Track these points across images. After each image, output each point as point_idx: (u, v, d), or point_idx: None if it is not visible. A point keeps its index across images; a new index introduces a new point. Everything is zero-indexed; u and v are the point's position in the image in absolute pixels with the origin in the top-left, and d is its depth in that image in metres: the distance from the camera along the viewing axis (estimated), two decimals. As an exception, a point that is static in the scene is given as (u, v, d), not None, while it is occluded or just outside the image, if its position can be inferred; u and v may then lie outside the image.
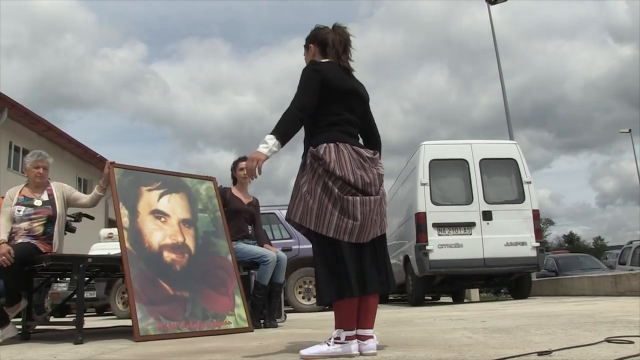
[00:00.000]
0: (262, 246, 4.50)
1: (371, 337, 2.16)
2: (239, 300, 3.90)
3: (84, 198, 4.03)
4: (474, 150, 7.60)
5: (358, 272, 2.14)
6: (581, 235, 55.28)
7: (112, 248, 6.59)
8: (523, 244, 7.18)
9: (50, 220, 3.77)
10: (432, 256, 7.05)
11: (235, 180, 4.71)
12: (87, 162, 18.83)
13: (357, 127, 2.38)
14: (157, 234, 3.79)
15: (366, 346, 2.13)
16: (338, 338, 2.14)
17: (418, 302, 7.69)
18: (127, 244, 3.58)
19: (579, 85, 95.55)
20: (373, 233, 2.20)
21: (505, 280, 8.03)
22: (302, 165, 2.29)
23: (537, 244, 7.23)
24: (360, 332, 2.17)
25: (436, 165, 7.48)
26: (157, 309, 3.44)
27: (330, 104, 2.27)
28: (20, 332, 3.68)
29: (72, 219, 4.32)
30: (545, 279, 10.14)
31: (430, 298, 11.51)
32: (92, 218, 4.64)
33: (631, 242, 13.28)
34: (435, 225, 7.19)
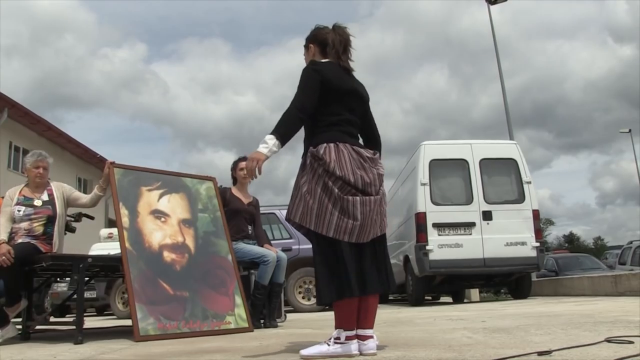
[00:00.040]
0: (262, 246, 4.50)
1: (371, 337, 2.16)
2: (239, 300, 3.90)
3: (84, 198, 4.03)
4: (474, 150, 7.60)
5: (358, 272, 2.14)
6: (581, 235, 55.36)
7: (112, 248, 6.59)
8: (523, 244, 7.18)
9: (50, 220, 3.77)
10: (432, 256, 7.05)
11: (235, 180, 4.71)
12: (87, 162, 18.84)
13: (357, 127, 2.38)
14: (157, 234, 3.80)
15: (366, 346, 2.13)
16: (338, 338, 2.14)
17: (418, 302, 7.69)
18: (127, 244, 3.58)
19: (579, 85, 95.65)
20: (373, 233, 2.20)
21: (505, 280, 8.03)
22: (302, 165, 2.29)
23: (537, 244, 7.23)
24: (360, 332, 2.17)
25: (436, 165, 7.48)
26: (157, 309, 3.44)
27: (330, 104, 2.27)
28: (20, 332, 3.68)
29: (72, 219, 4.32)
30: (545, 279, 10.14)
31: (430, 298, 11.51)
32: (92, 218, 4.64)
33: (631, 242, 13.28)
34: (435, 225, 7.19)
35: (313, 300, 7.26)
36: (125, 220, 3.69)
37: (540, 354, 1.84)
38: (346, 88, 2.31)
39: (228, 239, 4.18)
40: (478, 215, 7.27)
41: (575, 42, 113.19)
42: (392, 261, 8.44)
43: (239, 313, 3.84)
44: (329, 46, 2.37)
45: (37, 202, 3.79)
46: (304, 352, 2.16)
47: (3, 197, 3.91)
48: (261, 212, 4.95)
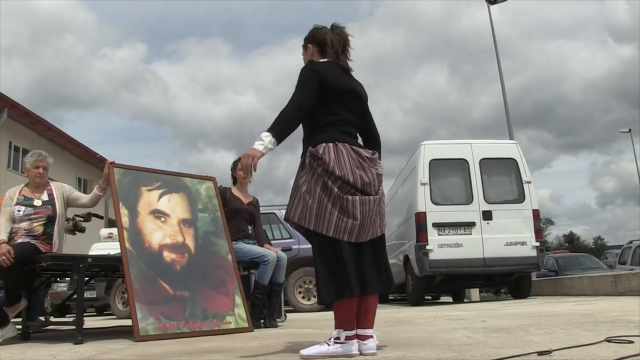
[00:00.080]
0: (262, 246, 4.50)
1: (371, 337, 2.16)
2: (239, 300, 3.90)
3: (84, 198, 4.03)
4: (474, 150, 7.60)
5: (358, 272, 2.14)
6: (581, 235, 55.34)
7: (112, 248, 6.59)
8: (523, 243, 7.18)
9: (50, 220, 3.77)
10: (432, 256, 7.05)
11: (235, 180, 4.70)
12: (87, 162, 18.84)
13: (356, 126, 2.38)
14: (157, 234, 3.79)
15: (366, 346, 2.13)
16: (338, 338, 2.14)
17: (418, 301, 7.69)
18: (127, 244, 3.58)
19: (579, 85, 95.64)
20: (372, 233, 2.20)
21: (505, 280, 8.04)
22: (301, 165, 2.29)
23: (537, 244, 7.23)
24: (360, 332, 2.17)
25: (436, 165, 7.48)
26: (157, 308, 3.44)
27: (328, 103, 2.27)
28: (20, 332, 3.68)
29: (82, 219, 4.31)
30: (545, 279, 10.14)
31: (430, 298, 11.51)
32: (101, 217, 4.64)
33: (631, 242, 13.28)
34: (435, 225, 7.19)
35: (313, 300, 7.26)
36: (125, 220, 3.69)
37: (540, 353, 1.84)
38: (345, 88, 2.31)
39: (228, 238, 4.18)
40: (478, 215, 7.27)
41: (575, 42, 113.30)
42: (392, 261, 8.52)
43: (239, 313, 3.84)
44: (327, 46, 2.37)
45: (37, 202, 3.79)
46: (304, 352, 2.16)
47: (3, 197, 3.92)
48: (261, 212, 4.95)
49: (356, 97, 2.37)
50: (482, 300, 10.86)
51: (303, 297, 7.38)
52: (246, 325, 3.81)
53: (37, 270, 3.70)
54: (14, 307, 3.59)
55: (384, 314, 5.49)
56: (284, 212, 2.53)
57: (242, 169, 2.17)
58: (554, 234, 55.97)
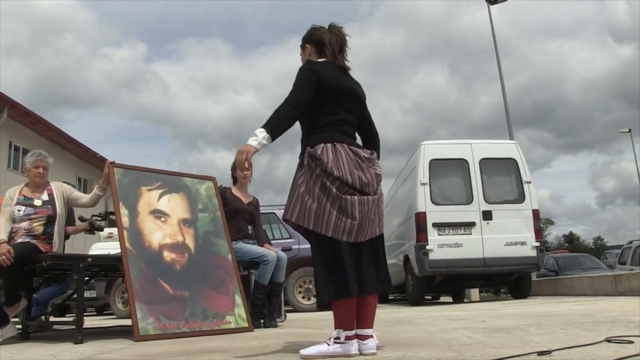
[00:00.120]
0: (262, 246, 4.50)
1: (371, 336, 2.16)
2: (239, 300, 3.90)
3: (84, 198, 4.03)
4: (474, 150, 7.60)
5: (356, 272, 2.14)
6: (581, 235, 55.30)
7: (112, 248, 6.58)
8: (523, 243, 7.19)
9: (50, 220, 3.77)
10: (432, 256, 7.05)
11: (235, 180, 4.70)
12: (87, 162, 18.83)
13: (355, 126, 2.38)
14: (157, 234, 3.79)
15: (366, 346, 2.13)
16: (338, 338, 2.14)
17: (418, 301, 7.69)
18: (127, 244, 3.58)
19: (579, 85, 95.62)
20: (371, 233, 2.20)
21: (505, 280, 8.04)
22: (299, 165, 2.29)
23: (537, 244, 7.23)
24: (360, 331, 2.17)
25: (436, 165, 7.48)
26: (157, 308, 3.44)
27: (326, 103, 2.27)
28: (20, 331, 3.68)
29: (100, 218, 4.32)
30: (545, 279, 10.14)
31: (430, 298, 11.51)
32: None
33: (631, 242, 13.28)
34: (435, 225, 7.19)
35: (313, 300, 7.26)
36: (125, 220, 3.69)
37: (540, 353, 1.84)
38: (342, 87, 2.31)
39: (228, 238, 4.18)
40: (478, 215, 7.27)
41: (575, 42, 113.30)
42: (392, 261, 8.52)
43: (239, 313, 3.84)
44: (325, 46, 2.37)
45: (37, 202, 3.79)
46: (304, 351, 2.16)
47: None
48: (261, 212, 4.95)
49: (354, 96, 2.37)
50: (482, 300, 10.86)
51: (303, 297, 7.38)
52: (246, 325, 3.81)
53: (37, 270, 3.70)
54: (14, 307, 3.59)
55: (384, 314, 5.49)
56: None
57: (237, 166, 2.17)
58: (554, 234, 56.00)
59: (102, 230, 4.32)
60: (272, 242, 4.99)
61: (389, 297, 11.27)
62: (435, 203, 7.29)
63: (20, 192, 3.83)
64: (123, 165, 3.99)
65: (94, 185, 4.35)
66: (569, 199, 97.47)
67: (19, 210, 3.71)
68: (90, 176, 19.16)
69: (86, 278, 3.79)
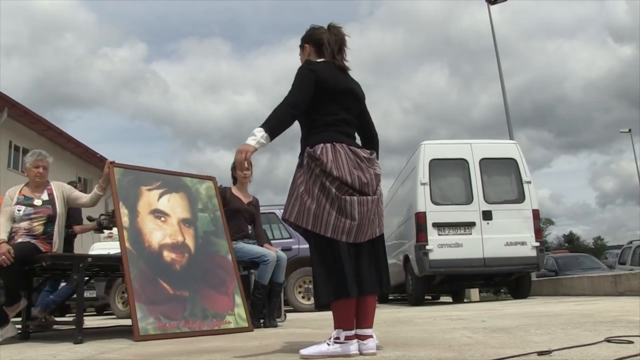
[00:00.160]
0: (262, 246, 4.50)
1: (371, 336, 2.16)
2: (238, 299, 3.90)
3: (84, 198, 4.03)
4: (474, 150, 7.60)
5: (356, 272, 2.14)
6: (581, 235, 55.28)
7: (112, 247, 6.59)
8: (523, 243, 7.18)
9: (50, 220, 3.77)
10: (432, 256, 7.05)
11: (235, 180, 4.70)
12: (87, 161, 18.83)
13: (354, 126, 2.38)
14: (157, 234, 3.79)
15: (366, 346, 2.13)
16: (338, 338, 2.14)
17: (418, 301, 7.69)
18: (127, 244, 3.58)
19: (579, 85, 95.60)
20: (371, 233, 2.20)
21: (505, 280, 8.04)
22: (298, 165, 2.29)
23: (537, 244, 7.23)
24: (360, 331, 2.17)
25: (436, 164, 7.48)
26: (157, 308, 3.44)
27: (325, 103, 2.27)
28: (19, 331, 3.68)
29: (108, 217, 4.32)
30: (545, 279, 10.14)
31: (430, 298, 11.51)
32: None
33: (631, 242, 13.29)
34: (435, 224, 7.19)
35: (313, 300, 7.26)
36: (125, 219, 3.69)
37: (540, 353, 1.84)
38: (341, 87, 2.31)
39: (228, 238, 4.18)
40: (478, 215, 7.27)
41: (575, 42, 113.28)
42: (392, 261, 8.51)
43: (239, 313, 3.84)
44: (324, 46, 2.37)
45: (37, 202, 3.79)
46: (304, 351, 2.16)
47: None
48: (261, 211, 4.95)
49: (353, 96, 2.37)
50: (482, 300, 10.87)
51: (303, 297, 7.38)
52: (246, 325, 3.81)
53: (37, 270, 3.70)
54: (14, 306, 3.59)
55: (384, 314, 5.49)
56: (283, 212, 2.52)
57: (236, 165, 2.18)
58: (554, 234, 55.97)
59: (110, 229, 4.34)
60: (272, 242, 4.99)
61: (389, 297, 11.27)
62: (435, 203, 7.29)
63: (20, 191, 3.83)
64: (123, 165, 3.99)
65: (94, 185, 4.35)
66: (569, 199, 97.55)
67: (19, 210, 3.71)
68: (90, 176, 19.16)
69: (86, 278, 3.79)
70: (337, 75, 2.33)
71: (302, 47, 2.50)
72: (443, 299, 11.79)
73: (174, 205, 4.03)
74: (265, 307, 4.35)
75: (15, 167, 14.87)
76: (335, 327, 2.17)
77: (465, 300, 10.00)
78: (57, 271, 3.95)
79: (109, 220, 4.20)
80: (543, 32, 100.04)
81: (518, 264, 7.20)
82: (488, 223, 7.23)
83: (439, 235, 7.18)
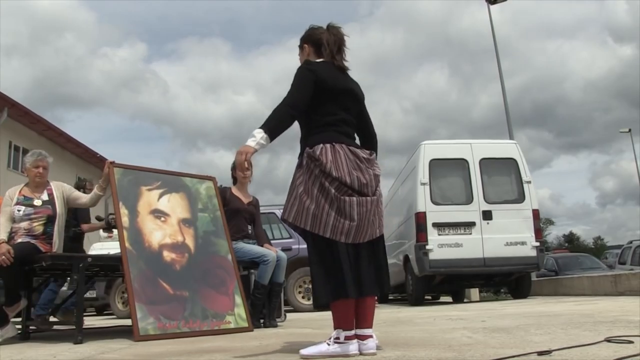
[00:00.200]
0: (262, 246, 4.50)
1: (370, 336, 2.16)
2: (238, 299, 3.90)
3: (84, 198, 4.03)
4: (474, 150, 7.60)
5: (354, 273, 2.14)
6: (581, 235, 55.29)
7: (112, 247, 6.60)
8: (523, 243, 7.19)
9: (50, 220, 3.77)
10: (432, 256, 7.05)
11: (235, 180, 4.70)
12: (87, 161, 18.84)
13: (353, 126, 2.38)
14: (157, 234, 3.79)
15: (366, 346, 2.13)
16: (338, 338, 2.14)
17: (418, 301, 7.69)
18: (127, 244, 3.58)
19: (579, 85, 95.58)
20: (370, 234, 2.20)
21: (505, 280, 8.04)
22: (298, 165, 2.29)
23: (537, 244, 7.23)
24: (359, 332, 2.16)
25: (436, 164, 7.48)
26: (157, 308, 3.44)
27: (325, 103, 2.27)
28: (19, 331, 3.68)
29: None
30: (545, 279, 10.14)
31: (430, 298, 11.51)
32: None
33: (631, 242, 13.29)
34: (435, 224, 7.19)
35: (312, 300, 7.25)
36: (125, 219, 3.69)
37: (540, 353, 1.84)
38: (341, 87, 2.32)
39: (228, 238, 4.18)
40: (478, 215, 7.27)
41: (575, 42, 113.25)
42: (392, 261, 8.51)
43: (239, 313, 3.84)
44: (323, 46, 2.37)
45: (37, 202, 3.79)
46: (304, 351, 2.16)
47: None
48: (261, 211, 4.95)
49: (352, 96, 2.37)
50: (482, 300, 10.87)
51: (303, 297, 7.38)
52: (246, 325, 3.81)
53: (36, 270, 3.70)
54: (14, 306, 3.59)
55: (384, 313, 5.49)
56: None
57: (237, 166, 2.18)
58: (554, 234, 55.92)
59: None
60: (272, 242, 4.99)
61: (389, 297, 11.27)
62: (435, 203, 7.29)
63: (20, 192, 3.83)
64: (123, 165, 3.99)
65: (94, 185, 4.35)
66: (569, 199, 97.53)
67: (18, 210, 3.71)
68: (90, 176, 19.03)
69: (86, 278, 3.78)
70: (336, 75, 2.33)
71: (301, 47, 2.50)
72: (443, 299, 11.79)
73: (174, 205, 4.03)
74: (265, 307, 4.35)
75: (15, 167, 14.88)
76: (335, 328, 2.17)
77: (465, 300, 9.99)
78: (57, 271, 3.95)
79: None
80: (543, 32, 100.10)
81: (518, 264, 7.20)
82: (488, 223, 7.24)
83: (439, 235, 7.18)
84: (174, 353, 2.54)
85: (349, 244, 2.15)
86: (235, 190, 4.61)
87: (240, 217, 4.50)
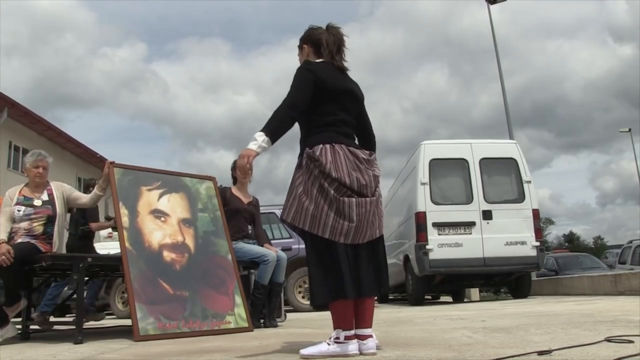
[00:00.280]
0: (262, 246, 4.50)
1: (370, 336, 2.16)
2: (238, 299, 3.90)
3: (84, 198, 4.03)
4: (474, 150, 7.60)
5: (353, 273, 2.14)
6: (581, 235, 55.32)
7: (112, 248, 6.59)
8: (523, 243, 7.19)
9: (50, 220, 3.77)
10: (432, 255, 7.05)
11: (235, 180, 4.70)
12: (87, 161, 18.84)
13: (353, 127, 2.37)
14: (157, 234, 3.79)
15: (366, 346, 2.13)
16: (338, 338, 2.14)
17: (418, 301, 7.69)
18: (127, 244, 3.58)
19: (579, 85, 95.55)
20: (370, 234, 2.20)
21: (505, 280, 8.04)
22: (298, 165, 2.29)
23: (537, 244, 7.23)
24: (359, 331, 2.16)
25: (436, 164, 7.48)
26: (157, 308, 3.44)
27: (324, 103, 2.27)
28: (19, 331, 3.68)
29: None
30: (545, 279, 10.14)
31: (430, 297, 11.51)
32: None
33: (631, 242, 13.29)
34: (435, 224, 7.19)
35: (313, 300, 7.25)
36: (125, 220, 3.69)
37: (540, 353, 1.84)
38: (340, 88, 2.32)
39: (228, 238, 4.18)
40: (478, 215, 7.27)
41: (575, 42, 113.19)
42: (392, 261, 8.51)
43: (239, 313, 3.84)
44: (322, 46, 2.37)
45: (37, 202, 3.79)
46: (304, 351, 2.16)
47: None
48: (261, 211, 4.95)
49: (352, 97, 2.37)
50: (482, 300, 10.87)
51: (303, 297, 7.38)
52: (246, 325, 3.81)
53: (36, 270, 3.70)
54: (14, 307, 3.59)
55: (384, 313, 5.49)
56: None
57: (238, 170, 2.19)
58: (554, 234, 55.88)
59: None
60: (272, 242, 4.99)
61: (389, 297, 11.27)
62: (435, 203, 7.29)
63: (20, 192, 3.83)
64: (123, 165, 3.99)
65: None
66: (569, 199, 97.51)
67: (18, 211, 3.71)
68: (90, 176, 19.11)
69: (86, 278, 3.78)
70: (336, 75, 2.33)
71: (300, 47, 2.50)
72: (443, 298, 11.79)
73: (174, 205, 4.03)
74: (265, 307, 4.35)
75: (15, 168, 14.87)
76: (335, 328, 2.17)
77: (465, 300, 10.00)
78: (57, 271, 3.95)
79: None
80: (543, 32, 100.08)
81: (518, 263, 7.20)
82: (488, 223, 7.24)
83: (439, 235, 7.18)
84: (174, 353, 2.54)
85: (348, 244, 2.15)
86: (235, 190, 4.61)
87: (240, 217, 4.50)
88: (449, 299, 11.07)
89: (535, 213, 7.38)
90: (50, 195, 3.87)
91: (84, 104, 67.10)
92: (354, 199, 2.16)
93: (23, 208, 3.72)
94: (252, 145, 2.16)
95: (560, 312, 4.12)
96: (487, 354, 1.96)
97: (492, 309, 5.42)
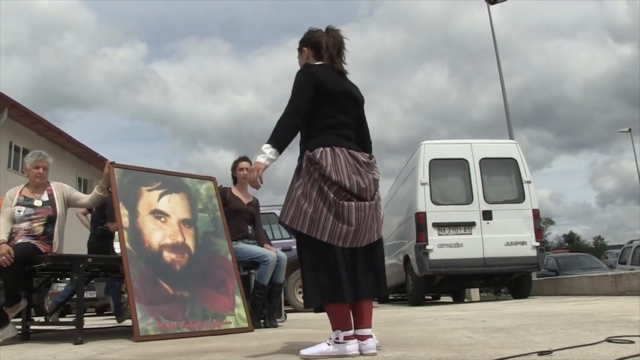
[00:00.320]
0: (262, 246, 4.50)
1: (370, 336, 2.16)
2: (239, 300, 3.90)
3: (84, 198, 4.03)
4: (474, 150, 7.60)
5: (350, 276, 2.13)
6: (581, 235, 55.33)
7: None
8: (523, 243, 7.19)
9: (50, 221, 3.77)
10: (432, 256, 7.05)
11: (235, 180, 4.71)
12: (87, 161, 18.84)
13: (353, 130, 2.37)
14: (157, 234, 3.79)
15: (366, 346, 2.13)
16: (337, 338, 2.14)
17: (418, 301, 7.69)
18: (127, 244, 3.58)
19: (579, 85, 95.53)
20: (368, 238, 2.19)
21: (505, 280, 8.04)
22: (297, 168, 2.28)
23: (537, 244, 7.23)
24: (359, 332, 2.16)
25: (436, 164, 7.48)
26: (157, 308, 3.44)
27: (324, 105, 2.27)
28: (20, 332, 3.68)
29: None
30: (545, 279, 10.14)
31: (430, 298, 11.51)
32: None
33: (631, 242, 13.29)
34: (435, 224, 7.19)
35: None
36: (125, 220, 3.69)
37: (541, 353, 1.84)
38: (340, 90, 2.32)
39: (228, 238, 4.18)
40: (478, 215, 7.27)
41: (575, 42, 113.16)
42: (392, 261, 8.50)
43: (239, 313, 3.84)
44: (322, 49, 2.37)
45: (37, 203, 3.79)
46: (304, 352, 2.16)
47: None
48: (261, 212, 4.95)
49: (352, 99, 2.37)
50: (482, 300, 10.87)
51: (303, 297, 7.37)
52: (246, 325, 3.80)
53: (37, 270, 3.70)
54: (14, 307, 3.59)
55: (384, 313, 5.49)
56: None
57: (250, 184, 2.23)
58: (554, 234, 55.89)
59: None
60: (272, 242, 5.00)
61: (389, 297, 11.28)
62: (435, 203, 7.29)
63: (20, 192, 3.82)
64: (123, 165, 3.99)
65: (94, 186, 4.36)
66: (569, 199, 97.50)
67: (19, 211, 3.71)
68: (90, 176, 19.17)
69: (86, 278, 3.78)
70: (335, 78, 2.33)
71: (300, 50, 2.50)
72: (443, 299, 11.79)
73: (174, 205, 4.03)
74: (265, 307, 4.35)
75: (16, 168, 14.87)
76: (333, 329, 2.17)
77: (465, 300, 10.00)
78: (58, 271, 3.95)
79: None
80: (543, 32, 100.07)
81: (518, 263, 7.20)
82: (488, 223, 7.23)
83: (439, 235, 7.18)
84: (174, 353, 2.54)
85: (346, 248, 2.15)
86: (235, 191, 4.62)
87: (240, 218, 4.50)
88: (449, 299, 11.07)
89: (536, 213, 7.38)
90: (51, 195, 3.87)
91: (84, 104, 67.19)
92: (353, 203, 2.16)
93: (23, 208, 3.72)
94: (261, 159, 2.18)
95: (560, 312, 4.12)
96: (488, 354, 1.96)
97: (492, 309, 5.42)
